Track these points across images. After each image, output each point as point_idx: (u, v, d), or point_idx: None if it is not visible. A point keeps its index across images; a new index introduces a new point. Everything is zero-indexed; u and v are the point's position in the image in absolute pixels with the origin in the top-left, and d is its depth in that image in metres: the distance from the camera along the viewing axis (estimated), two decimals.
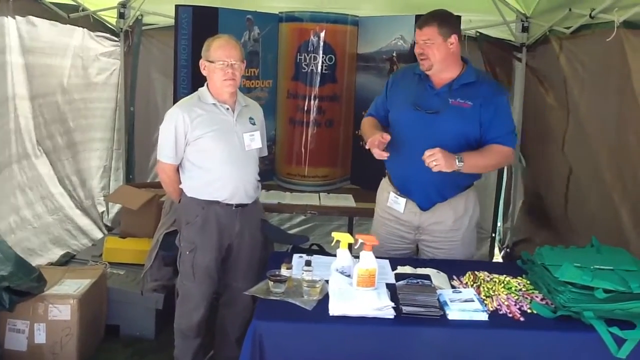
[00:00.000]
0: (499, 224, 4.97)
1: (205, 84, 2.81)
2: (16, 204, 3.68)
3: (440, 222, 2.78)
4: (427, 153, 2.46)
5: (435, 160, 2.44)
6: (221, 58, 2.69)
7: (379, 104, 2.93)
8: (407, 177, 2.76)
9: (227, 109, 2.77)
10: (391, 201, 2.85)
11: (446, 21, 2.65)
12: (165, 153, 2.78)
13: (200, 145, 2.73)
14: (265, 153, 3.08)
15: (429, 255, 2.82)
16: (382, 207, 2.92)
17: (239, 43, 2.82)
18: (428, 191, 2.73)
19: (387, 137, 2.61)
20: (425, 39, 2.63)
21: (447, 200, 2.75)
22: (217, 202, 2.78)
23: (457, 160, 2.49)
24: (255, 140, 2.84)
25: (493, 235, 4.91)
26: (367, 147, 2.67)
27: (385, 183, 2.93)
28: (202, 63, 2.75)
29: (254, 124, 2.87)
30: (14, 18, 3.42)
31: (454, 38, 2.64)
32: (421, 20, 2.68)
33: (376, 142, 2.60)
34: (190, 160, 2.77)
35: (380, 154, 2.61)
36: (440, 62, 2.64)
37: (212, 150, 2.74)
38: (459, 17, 2.70)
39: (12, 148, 3.61)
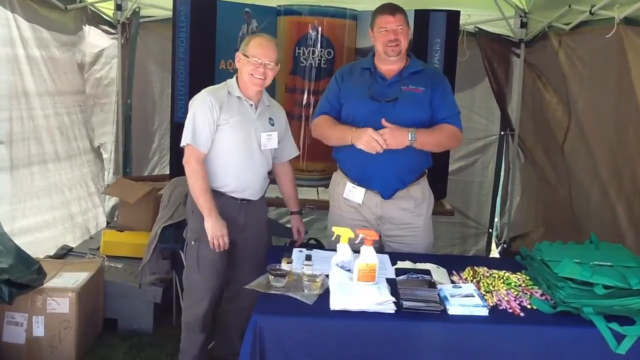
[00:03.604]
0: (496, 219, 5.00)
1: (235, 77, 2.82)
2: (37, 202, 3.73)
3: (402, 209, 2.82)
4: (379, 133, 2.57)
5: (385, 139, 2.55)
6: (256, 55, 2.70)
7: (332, 101, 2.89)
8: (367, 167, 2.79)
9: (251, 105, 2.78)
10: (347, 192, 2.87)
11: (406, 14, 2.79)
12: (200, 140, 2.69)
13: (219, 135, 2.72)
14: (295, 153, 3.10)
15: (391, 247, 2.84)
16: (338, 201, 2.92)
17: (277, 46, 2.82)
18: (388, 178, 2.77)
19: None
20: (399, 24, 2.74)
21: (406, 187, 2.81)
22: (223, 194, 2.78)
23: (410, 135, 2.58)
24: (271, 141, 2.85)
25: (490, 230, 4.94)
26: (358, 145, 2.62)
27: (338, 176, 2.95)
28: (238, 55, 2.77)
29: (272, 124, 2.87)
30: (15, 12, 3.40)
31: (410, 29, 2.82)
32: (389, 9, 2.77)
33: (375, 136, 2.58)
34: None
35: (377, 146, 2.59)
36: (404, 50, 2.78)
37: (229, 143, 2.74)
38: None
39: (30, 145, 3.64)
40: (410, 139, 2.59)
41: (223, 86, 2.80)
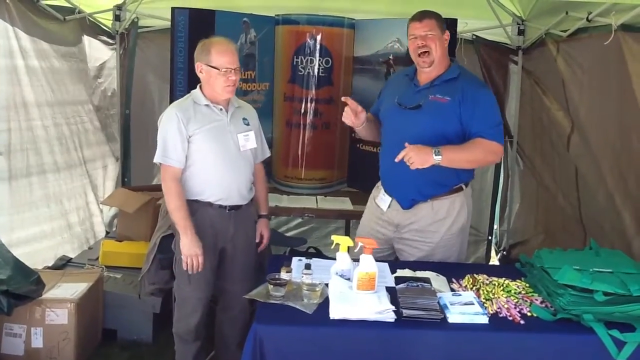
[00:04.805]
0: (495, 226, 4.98)
1: (199, 86, 2.77)
2: (35, 212, 3.74)
3: (417, 222, 2.77)
4: (402, 153, 2.47)
5: (409, 158, 2.45)
6: (225, 65, 2.66)
7: (376, 103, 3.02)
8: (389, 173, 2.80)
9: (221, 109, 2.75)
10: (380, 199, 2.88)
11: (440, 18, 2.71)
12: (172, 155, 2.67)
13: (194, 146, 2.69)
14: (268, 154, 3.07)
15: (404, 256, 2.82)
16: (371, 205, 2.96)
17: (236, 46, 2.80)
18: (407, 188, 2.73)
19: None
20: (428, 30, 2.65)
21: (428, 200, 2.74)
22: (210, 204, 2.75)
23: (434, 153, 2.47)
24: (250, 141, 2.82)
25: (489, 238, 4.92)
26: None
27: (379, 181, 2.97)
28: (200, 66, 2.71)
29: (247, 124, 2.84)
30: (14, 23, 3.41)
31: (447, 35, 2.72)
32: (418, 15, 2.70)
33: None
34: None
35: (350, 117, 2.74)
36: (440, 57, 2.68)
37: (206, 151, 2.71)
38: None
39: (28, 156, 3.65)
40: (435, 157, 2.46)
41: (187, 98, 2.77)
